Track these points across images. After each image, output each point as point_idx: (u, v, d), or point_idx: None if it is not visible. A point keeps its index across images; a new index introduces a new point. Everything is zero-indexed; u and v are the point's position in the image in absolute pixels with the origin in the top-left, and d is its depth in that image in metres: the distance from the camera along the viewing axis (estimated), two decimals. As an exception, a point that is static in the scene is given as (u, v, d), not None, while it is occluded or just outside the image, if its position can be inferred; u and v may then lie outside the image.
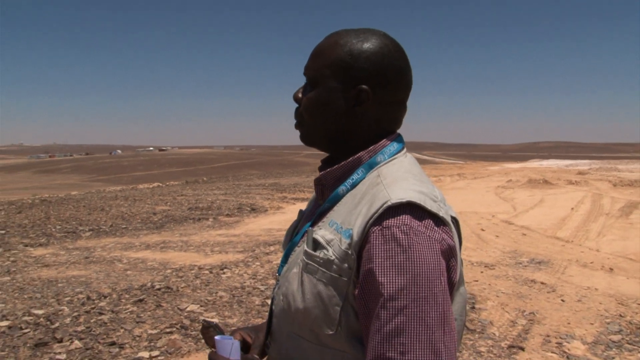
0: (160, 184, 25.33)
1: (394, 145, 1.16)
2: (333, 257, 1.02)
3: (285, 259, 1.21)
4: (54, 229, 10.58)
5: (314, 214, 1.21)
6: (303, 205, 7.77)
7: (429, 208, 0.99)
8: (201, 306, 5.45)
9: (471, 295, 5.85)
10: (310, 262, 1.06)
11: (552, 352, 4.38)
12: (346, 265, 1.01)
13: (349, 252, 1.00)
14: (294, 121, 1.22)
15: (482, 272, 6.91)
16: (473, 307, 5.43)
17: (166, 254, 8.16)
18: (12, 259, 7.80)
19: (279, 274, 1.22)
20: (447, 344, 0.94)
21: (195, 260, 7.67)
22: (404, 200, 0.98)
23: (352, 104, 1.13)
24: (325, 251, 1.04)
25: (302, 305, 1.05)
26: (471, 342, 4.57)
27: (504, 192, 17.08)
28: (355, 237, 1.00)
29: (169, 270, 6.98)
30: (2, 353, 4.25)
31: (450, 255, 1.00)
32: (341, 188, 1.13)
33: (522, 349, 4.44)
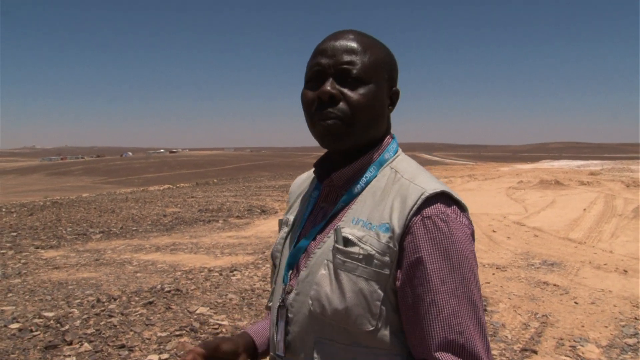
0: (171, 186, 25.42)
1: (394, 144, 1.22)
2: (373, 252, 1.04)
3: (289, 267, 1.18)
4: (64, 231, 10.63)
5: (320, 218, 1.19)
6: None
7: (456, 196, 1.07)
8: (211, 309, 5.43)
9: (483, 297, 5.79)
10: (348, 260, 1.05)
11: (566, 356, 4.31)
12: (387, 258, 1.03)
13: (391, 244, 1.03)
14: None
15: (493, 274, 6.84)
16: (485, 310, 5.36)
17: (176, 256, 8.16)
18: (23, 261, 7.83)
19: (285, 283, 1.18)
20: (483, 317, 1.03)
21: (205, 262, 7.66)
22: (438, 190, 1.04)
23: (388, 105, 1.18)
24: (359, 247, 1.05)
25: (343, 305, 1.04)
26: (483, 345, 4.52)
27: (515, 193, 16.97)
28: (397, 230, 1.03)
29: (178, 273, 6.97)
30: (13, 355, 4.25)
31: (474, 237, 1.10)
32: (356, 187, 1.14)
33: (535, 352, 4.38)
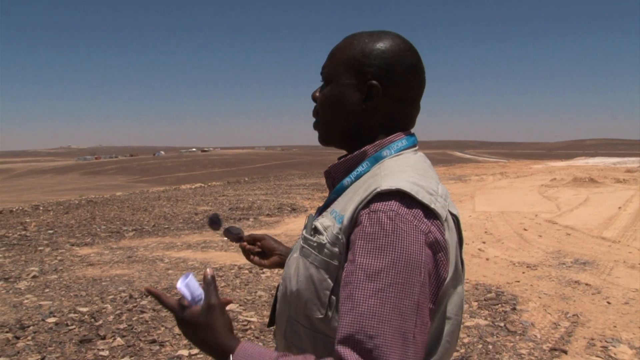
0: (203, 185, 25.70)
1: (403, 142, 1.19)
2: (325, 242, 1.06)
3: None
4: (99, 229, 10.87)
5: (321, 208, 1.27)
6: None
7: (420, 198, 1.00)
8: (240, 305, 5.51)
9: (512, 296, 5.74)
10: (305, 246, 1.12)
11: (597, 356, 4.25)
12: (336, 249, 1.04)
13: (339, 236, 1.04)
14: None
15: (523, 272, 6.76)
16: (514, 309, 5.32)
17: (207, 254, 8.28)
18: (59, 258, 8.05)
19: None
20: (417, 336, 0.94)
21: (236, 259, 7.75)
22: (393, 188, 1.00)
23: (364, 99, 1.17)
24: (320, 236, 1.09)
25: (295, 287, 1.11)
26: (512, 344, 4.48)
27: (548, 191, 16.67)
28: (346, 222, 1.04)
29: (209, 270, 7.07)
30: (50, 348, 4.40)
31: (438, 248, 1.00)
32: (346, 180, 1.18)
33: (565, 352, 4.32)
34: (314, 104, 1.27)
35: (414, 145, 1.21)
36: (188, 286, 1.12)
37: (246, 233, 1.63)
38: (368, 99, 1.16)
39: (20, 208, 14.93)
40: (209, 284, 1.13)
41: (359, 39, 1.20)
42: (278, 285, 1.28)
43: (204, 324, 1.07)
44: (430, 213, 1.00)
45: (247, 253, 1.64)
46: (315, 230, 1.10)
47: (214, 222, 1.67)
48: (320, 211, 1.22)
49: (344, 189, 1.17)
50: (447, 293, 1.06)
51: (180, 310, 1.10)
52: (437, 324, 1.07)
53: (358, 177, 1.16)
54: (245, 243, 1.63)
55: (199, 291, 1.12)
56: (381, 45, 1.17)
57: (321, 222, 1.11)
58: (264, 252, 1.63)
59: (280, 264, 1.58)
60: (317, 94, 1.25)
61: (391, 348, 0.91)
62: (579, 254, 7.76)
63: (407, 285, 0.94)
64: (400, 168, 1.10)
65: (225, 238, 1.65)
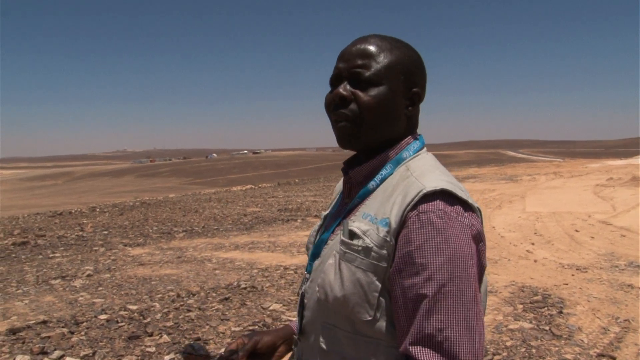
0: (253, 186, 26.08)
1: (417, 143, 1.25)
2: (372, 245, 1.08)
3: (313, 257, 1.27)
4: (150, 230, 11.22)
5: (341, 212, 1.27)
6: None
7: (460, 195, 1.08)
8: (284, 305, 5.59)
9: (559, 299, 5.59)
10: (349, 251, 1.11)
11: (647, 363, 4.10)
12: (385, 251, 1.07)
13: (388, 238, 1.07)
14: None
15: (573, 275, 6.57)
16: (561, 312, 5.18)
17: (254, 254, 8.41)
18: (112, 257, 8.36)
19: (308, 271, 1.28)
20: (479, 324, 1.01)
21: (282, 260, 7.85)
22: (437, 188, 1.06)
23: (406, 105, 1.22)
24: (362, 240, 1.09)
25: (341, 293, 1.10)
26: (557, 348, 4.37)
27: (604, 191, 16.09)
28: (393, 225, 1.07)
29: (255, 270, 7.20)
30: (101, 343, 4.59)
31: (479, 239, 1.08)
32: (371, 183, 1.21)
33: (614, 358, 4.18)
34: (337, 101, 1.20)
35: (424, 146, 1.27)
36: None
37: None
38: (410, 105, 1.23)
39: (79, 210, 15.59)
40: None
41: (391, 42, 1.22)
42: (302, 296, 1.28)
43: None
44: (467, 207, 1.09)
45: None
46: (352, 234, 1.11)
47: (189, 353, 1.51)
48: (344, 216, 1.23)
49: (369, 192, 1.20)
50: (482, 281, 1.13)
51: None
52: None
53: (383, 180, 1.20)
54: None
55: None
56: (414, 53, 1.25)
57: (358, 227, 1.12)
58: (264, 353, 1.40)
59: (289, 349, 1.43)
60: (346, 93, 1.18)
61: (460, 338, 0.98)
62: (633, 257, 7.46)
63: (464, 278, 1.01)
64: (427, 168, 1.16)
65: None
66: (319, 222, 1.40)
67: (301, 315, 1.28)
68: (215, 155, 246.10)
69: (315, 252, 1.27)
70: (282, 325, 1.50)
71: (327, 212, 1.40)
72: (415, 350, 1.00)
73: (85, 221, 12.79)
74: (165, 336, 4.72)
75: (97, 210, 15.29)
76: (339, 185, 1.48)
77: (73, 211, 15.29)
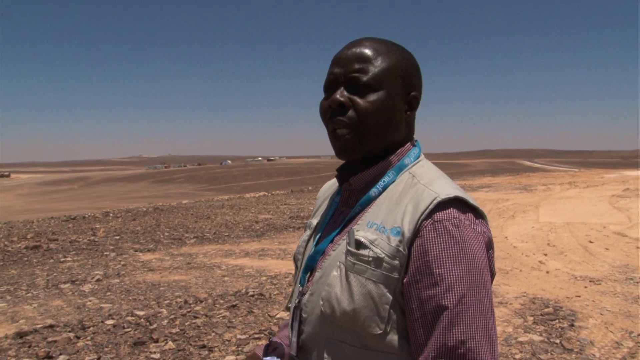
0: (266, 193, 26.10)
1: (416, 150, 1.22)
2: (383, 255, 1.03)
3: (307, 269, 1.21)
4: (162, 236, 11.26)
5: (339, 221, 1.22)
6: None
7: (471, 202, 1.06)
8: (291, 313, 5.55)
9: (571, 311, 5.48)
10: (358, 262, 1.06)
11: (660, 378, 4.00)
12: (397, 262, 1.03)
13: (400, 248, 1.03)
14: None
15: (585, 287, 6.45)
16: (572, 325, 5.09)
17: (263, 262, 8.39)
18: (122, 262, 8.39)
19: (302, 284, 1.21)
20: (495, 332, 1.00)
21: (291, 268, 7.81)
22: (451, 196, 1.04)
23: (405, 110, 1.18)
24: (370, 250, 1.05)
25: (351, 307, 1.04)
26: (567, 362, 4.29)
27: (620, 202, 15.86)
28: (407, 234, 1.03)
29: (264, 278, 7.17)
30: (106, 349, 4.59)
31: (490, 246, 1.07)
32: (373, 191, 1.17)
33: (626, 372, 4.10)
34: (334, 108, 1.14)
35: (420, 152, 1.24)
36: None
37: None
38: (409, 110, 1.19)
39: (92, 214, 15.69)
40: None
41: (391, 46, 1.18)
42: (297, 311, 1.20)
43: None
44: (478, 214, 1.07)
45: None
46: (359, 244, 1.07)
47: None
48: (343, 226, 1.18)
49: (371, 200, 1.16)
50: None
51: None
52: None
53: (385, 187, 1.15)
54: None
55: None
56: (410, 56, 1.21)
57: (364, 236, 1.07)
58: None
59: None
60: (342, 99, 1.12)
61: (482, 349, 0.97)
62: (649, 269, 7.33)
63: (482, 287, 1.00)
64: (434, 175, 1.14)
65: None
66: (307, 232, 1.34)
67: (298, 331, 1.19)
68: (229, 162, 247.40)
69: (309, 263, 1.21)
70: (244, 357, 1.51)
71: (317, 220, 1.34)
72: None
73: (98, 226, 12.88)
74: (170, 343, 4.70)
75: (111, 215, 15.39)
76: (324, 192, 1.43)
77: (87, 216, 15.41)
